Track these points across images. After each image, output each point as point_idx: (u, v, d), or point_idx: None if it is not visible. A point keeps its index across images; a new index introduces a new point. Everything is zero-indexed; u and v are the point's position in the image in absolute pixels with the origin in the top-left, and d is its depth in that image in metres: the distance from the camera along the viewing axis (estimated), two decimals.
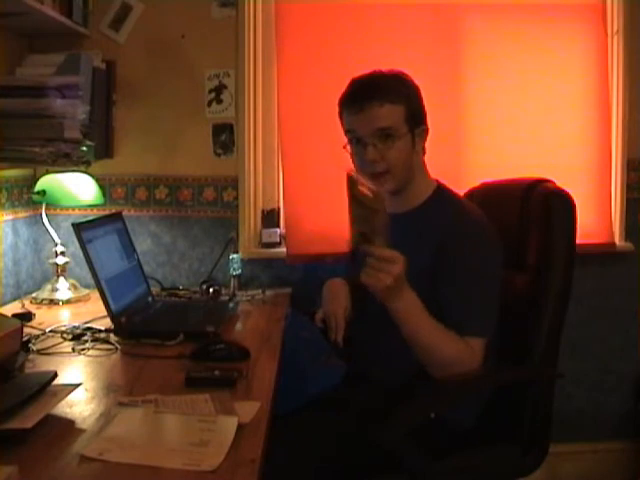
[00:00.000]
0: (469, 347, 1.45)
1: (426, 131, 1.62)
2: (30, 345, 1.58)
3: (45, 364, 1.47)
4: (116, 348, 1.60)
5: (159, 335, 1.64)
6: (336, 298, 1.71)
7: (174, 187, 2.41)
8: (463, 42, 2.37)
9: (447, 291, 1.49)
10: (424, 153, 1.64)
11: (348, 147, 1.60)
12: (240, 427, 1.10)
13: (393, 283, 1.35)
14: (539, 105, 2.38)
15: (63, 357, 1.54)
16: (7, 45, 2.15)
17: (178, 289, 2.31)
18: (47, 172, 2.21)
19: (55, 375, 1.21)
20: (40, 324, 1.79)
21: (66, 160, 1.94)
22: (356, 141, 1.58)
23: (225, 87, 2.37)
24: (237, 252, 2.31)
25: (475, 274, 1.49)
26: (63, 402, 1.17)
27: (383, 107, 1.53)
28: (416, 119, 1.58)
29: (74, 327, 1.75)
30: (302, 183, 2.38)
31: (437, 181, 1.65)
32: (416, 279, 1.45)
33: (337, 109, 1.63)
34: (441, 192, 1.62)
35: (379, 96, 1.53)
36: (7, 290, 2.14)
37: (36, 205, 2.26)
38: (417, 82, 1.63)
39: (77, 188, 2.18)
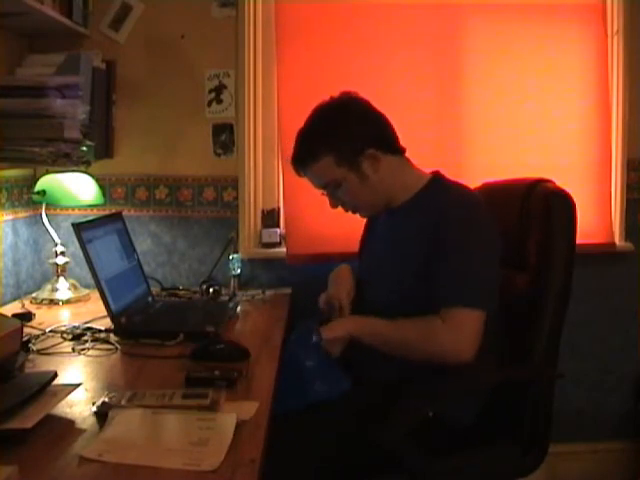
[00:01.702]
0: (442, 319, 1.44)
1: (375, 152, 1.57)
2: (30, 345, 1.58)
3: (45, 364, 1.47)
4: (116, 348, 1.60)
5: (159, 335, 1.64)
6: (341, 282, 1.75)
7: (174, 187, 2.41)
8: (463, 42, 2.37)
9: (436, 268, 1.48)
10: (402, 151, 1.64)
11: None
12: (240, 426, 1.10)
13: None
14: (539, 105, 2.38)
15: (63, 357, 1.54)
16: (7, 45, 2.15)
17: (178, 289, 2.31)
18: (47, 172, 2.21)
19: (55, 375, 1.21)
20: (40, 324, 1.79)
21: (66, 160, 1.94)
22: None
23: (225, 87, 2.37)
24: (237, 252, 2.31)
25: (466, 252, 1.49)
26: (63, 402, 1.17)
27: (312, 169, 1.62)
28: (352, 153, 1.57)
29: (74, 327, 1.75)
30: (302, 183, 2.36)
31: (437, 172, 1.65)
32: (416, 267, 1.49)
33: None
34: (436, 181, 1.63)
35: (303, 164, 1.63)
36: (7, 290, 2.14)
37: (36, 205, 2.26)
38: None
39: (77, 188, 2.18)
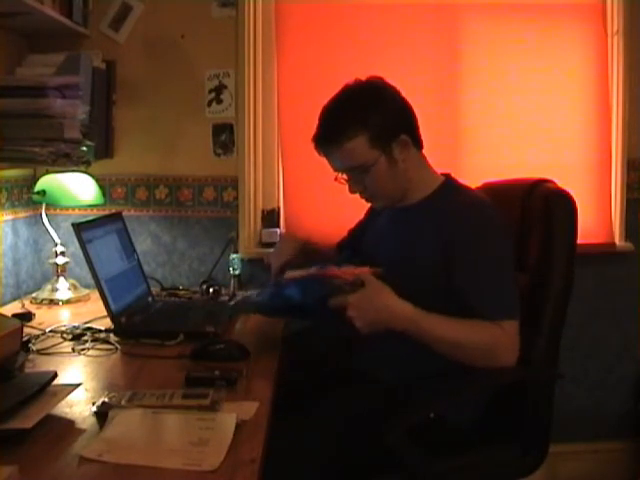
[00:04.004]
0: (502, 330, 1.43)
1: (407, 139, 1.54)
2: (30, 345, 1.58)
3: (45, 364, 1.47)
4: (116, 348, 1.60)
5: (159, 335, 1.64)
6: (278, 249, 1.80)
7: (174, 187, 2.41)
8: (463, 42, 2.38)
9: (464, 278, 1.46)
10: (422, 147, 1.61)
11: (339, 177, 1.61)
12: (240, 426, 1.10)
13: (363, 320, 1.41)
14: (539, 105, 2.39)
15: (63, 357, 1.54)
16: (7, 45, 2.15)
17: (178, 289, 2.31)
18: (47, 172, 2.21)
19: (55, 375, 1.21)
20: (40, 324, 1.79)
21: (66, 160, 1.94)
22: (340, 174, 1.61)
23: (225, 87, 2.37)
24: (237, 252, 2.31)
25: (490, 258, 1.48)
26: (63, 402, 1.17)
27: (343, 148, 1.52)
28: (387, 135, 1.52)
29: (74, 327, 1.75)
30: (302, 183, 2.38)
31: (448, 175, 1.64)
32: (426, 266, 1.49)
33: None
34: (448, 184, 1.61)
35: (334, 141, 1.53)
36: (7, 290, 2.14)
37: (36, 205, 2.27)
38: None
39: (77, 188, 2.18)
